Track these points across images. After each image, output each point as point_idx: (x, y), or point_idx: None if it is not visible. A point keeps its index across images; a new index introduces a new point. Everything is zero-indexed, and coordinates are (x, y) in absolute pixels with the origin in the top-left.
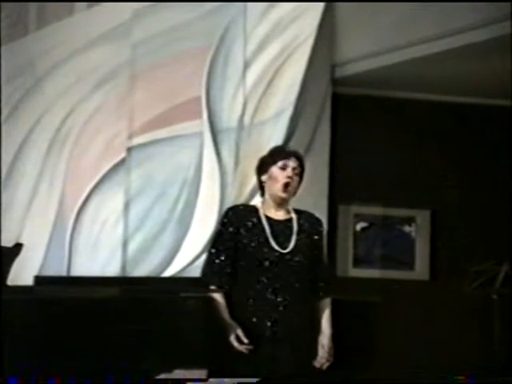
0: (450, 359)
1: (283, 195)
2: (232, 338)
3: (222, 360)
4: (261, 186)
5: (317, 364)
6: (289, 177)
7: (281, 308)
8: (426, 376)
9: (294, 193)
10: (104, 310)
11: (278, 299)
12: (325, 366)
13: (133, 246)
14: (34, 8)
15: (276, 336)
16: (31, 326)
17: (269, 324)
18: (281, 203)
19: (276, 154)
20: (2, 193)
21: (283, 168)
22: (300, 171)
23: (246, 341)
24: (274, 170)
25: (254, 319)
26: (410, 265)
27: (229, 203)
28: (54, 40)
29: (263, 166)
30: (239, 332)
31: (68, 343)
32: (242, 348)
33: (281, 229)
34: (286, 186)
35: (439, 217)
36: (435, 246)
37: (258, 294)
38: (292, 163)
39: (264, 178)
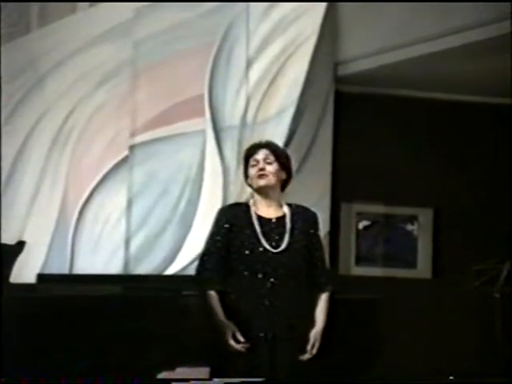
0: (452, 357)
1: (261, 182)
2: (229, 338)
3: (221, 358)
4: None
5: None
6: (260, 169)
7: (275, 307)
8: (428, 375)
9: (281, 181)
10: (106, 307)
11: (272, 298)
12: (305, 358)
13: (135, 244)
14: (36, 6)
15: (273, 334)
16: (34, 324)
17: (265, 323)
18: (267, 196)
19: (247, 156)
20: (4, 191)
21: (254, 164)
22: (274, 159)
23: (242, 339)
24: (250, 170)
25: (250, 319)
26: (412, 263)
27: (231, 201)
28: (56, 38)
29: (245, 173)
30: (236, 331)
31: (70, 341)
32: (238, 347)
33: (272, 228)
34: (261, 176)
35: (442, 215)
36: (437, 245)
37: (251, 294)
38: (261, 155)
39: (248, 181)
